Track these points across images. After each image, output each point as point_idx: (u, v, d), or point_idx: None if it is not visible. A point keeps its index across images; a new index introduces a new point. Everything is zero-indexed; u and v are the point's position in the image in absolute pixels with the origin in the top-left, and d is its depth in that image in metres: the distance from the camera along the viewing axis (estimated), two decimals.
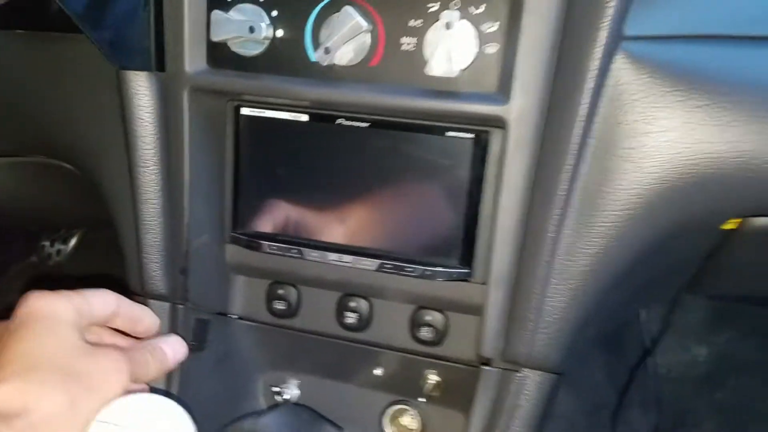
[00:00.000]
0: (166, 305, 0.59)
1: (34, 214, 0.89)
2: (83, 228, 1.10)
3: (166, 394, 0.47)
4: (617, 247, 0.47)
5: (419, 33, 0.48)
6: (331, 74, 0.51)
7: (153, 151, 0.56)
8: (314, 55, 0.50)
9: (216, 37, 0.52)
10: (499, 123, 0.48)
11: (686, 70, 0.44)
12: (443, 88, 0.48)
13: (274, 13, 0.51)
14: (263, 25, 0.51)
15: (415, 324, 0.59)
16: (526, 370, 0.51)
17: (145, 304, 0.50)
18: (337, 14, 0.48)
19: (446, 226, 0.53)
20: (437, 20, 0.47)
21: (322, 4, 0.50)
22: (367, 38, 0.49)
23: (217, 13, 0.51)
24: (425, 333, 0.58)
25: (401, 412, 0.64)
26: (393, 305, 0.59)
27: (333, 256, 0.56)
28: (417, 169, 0.53)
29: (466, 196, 0.52)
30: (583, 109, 0.45)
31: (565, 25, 0.45)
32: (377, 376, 0.63)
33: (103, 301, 0.45)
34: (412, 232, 0.55)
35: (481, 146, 0.51)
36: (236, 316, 0.64)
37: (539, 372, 0.51)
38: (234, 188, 0.58)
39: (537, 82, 0.46)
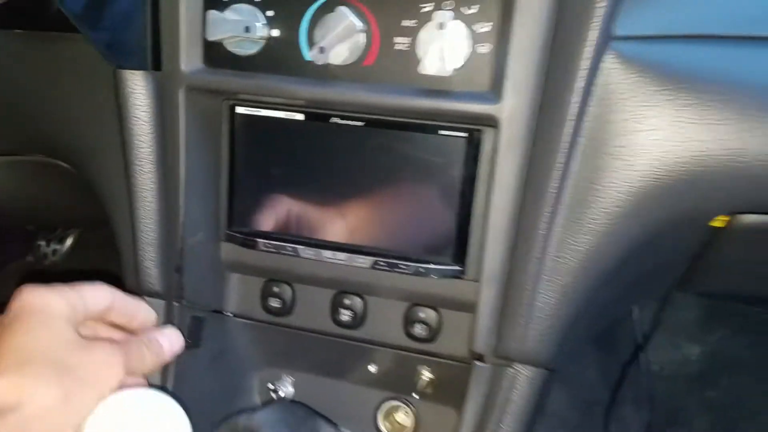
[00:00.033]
0: (162, 303, 0.59)
1: (31, 213, 0.90)
2: (79, 228, 1.10)
3: (162, 389, 0.48)
4: (607, 244, 0.47)
5: (413, 33, 0.49)
6: (326, 73, 0.51)
7: (149, 149, 0.56)
8: (309, 55, 0.51)
9: (212, 37, 0.52)
10: (492, 122, 0.48)
11: (675, 69, 0.44)
12: (436, 87, 0.49)
13: (270, 13, 0.51)
14: (259, 24, 0.51)
15: (409, 321, 0.59)
16: (517, 365, 0.52)
17: None
18: (331, 14, 0.49)
19: (439, 224, 0.54)
20: (430, 20, 0.47)
21: (316, 5, 0.50)
22: (362, 38, 0.50)
23: (213, 13, 0.51)
24: (419, 330, 0.59)
25: (395, 409, 0.65)
26: (387, 303, 0.60)
27: (327, 254, 0.57)
28: (411, 167, 0.53)
29: (459, 195, 0.53)
30: (573, 108, 0.45)
31: (556, 25, 0.45)
32: (371, 373, 0.64)
33: (97, 295, 0.45)
34: (406, 230, 0.55)
35: (473, 145, 0.51)
36: (231, 314, 0.64)
37: (531, 367, 0.52)
38: (229, 186, 0.59)
39: (528, 81, 0.47)
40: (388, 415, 0.65)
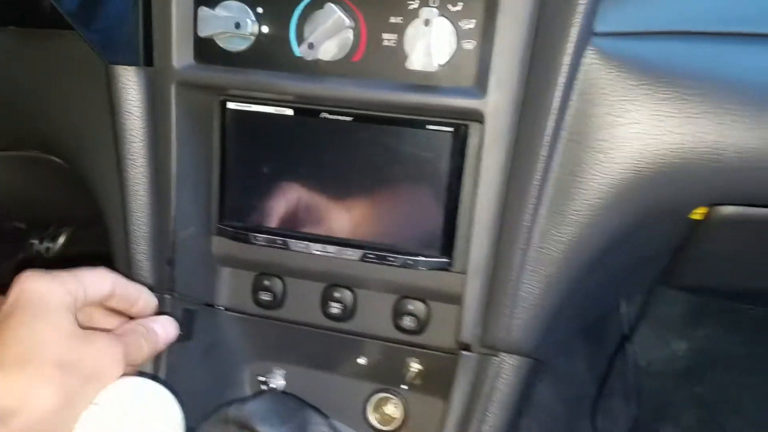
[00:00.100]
0: (154, 296, 0.60)
1: (23, 209, 0.90)
2: (72, 226, 1.10)
3: (154, 378, 0.48)
4: (589, 235, 0.48)
5: (400, 29, 0.50)
6: (315, 69, 0.52)
7: (141, 144, 0.57)
8: (298, 51, 0.52)
9: (203, 33, 0.53)
10: (477, 116, 0.49)
11: (653, 64, 0.46)
12: (423, 83, 0.50)
13: (260, 9, 0.52)
14: (249, 21, 0.52)
15: (398, 313, 0.60)
16: (503, 354, 0.53)
17: None
18: (320, 11, 0.50)
19: (427, 217, 0.55)
20: (417, 17, 0.48)
21: (306, 1, 0.51)
22: (350, 34, 0.51)
23: (203, 10, 0.52)
24: (407, 322, 0.60)
25: (384, 401, 0.66)
26: (376, 295, 0.61)
27: (317, 247, 0.58)
28: (399, 161, 0.54)
29: (446, 188, 0.54)
30: (555, 102, 0.46)
31: (539, 22, 0.46)
32: (361, 365, 0.65)
33: (98, 282, 0.44)
34: (394, 222, 0.56)
35: (460, 139, 0.52)
36: (223, 308, 0.65)
37: (516, 356, 0.53)
38: (220, 181, 0.59)
39: (512, 76, 0.48)
40: (378, 407, 0.66)
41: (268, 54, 0.53)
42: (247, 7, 0.52)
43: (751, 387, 1.06)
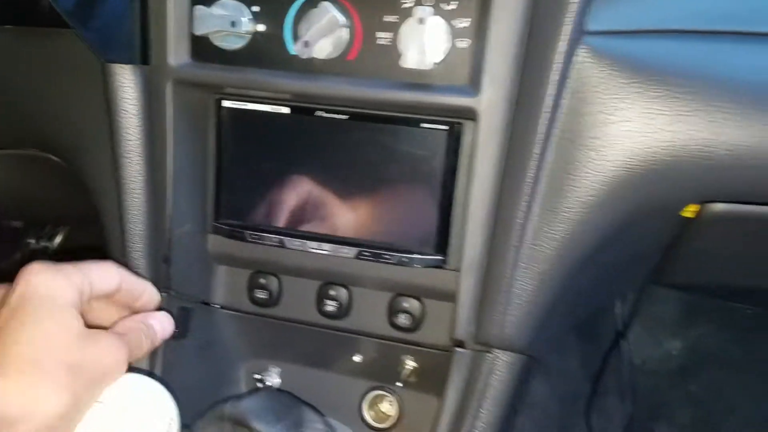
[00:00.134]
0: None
1: (21, 207, 0.90)
2: (69, 225, 1.11)
3: (150, 375, 0.48)
4: (582, 232, 0.49)
5: (394, 28, 0.50)
6: (310, 67, 0.53)
7: (137, 142, 0.57)
8: (294, 49, 0.52)
9: (199, 31, 0.53)
10: (471, 114, 0.50)
11: (645, 63, 0.46)
12: (417, 81, 0.50)
13: (255, 8, 0.53)
14: (244, 19, 0.53)
15: (393, 311, 0.60)
16: (497, 351, 0.53)
17: None
18: (315, 10, 0.50)
19: (422, 215, 0.55)
20: (411, 15, 0.49)
21: (301, 0, 0.51)
22: (345, 33, 0.51)
23: (200, 8, 0.53)
24: (402, 320, 0.60)
25: (380, 399, 0.66)
26: (371, 293, 0.61)
27: (313, 245, 0.58)
28: (394, 159, 0.54)
29: (440, 186, 0.54)
30: (548, 100, 0.47)
31: (532, 21, 0.47)
32: (356, 363, 0.65)
33: (104, 277, 0.43)
34: (389, 220, 0.57)
35: (454, 137, 0.53)
36: (218, 305, 0.65)
37: (510, 353, 0.53)
38: (216, 179, 0.60)
39: (506, 75, 0.48)
40: (373, 404, 0.66)
41: (264, 52, 0.53)
42: (242, 6, 0.53)
43: (745, 385, 1.07)
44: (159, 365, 0.60)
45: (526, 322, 0.51)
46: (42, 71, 0.63)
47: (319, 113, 0.55)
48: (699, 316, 1.09)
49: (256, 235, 0.59)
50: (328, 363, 0.66)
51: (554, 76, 0.46)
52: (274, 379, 0.67)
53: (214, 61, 0.54)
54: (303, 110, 0.55)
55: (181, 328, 0.61)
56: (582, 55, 0.46)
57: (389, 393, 0.65)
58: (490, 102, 0.49)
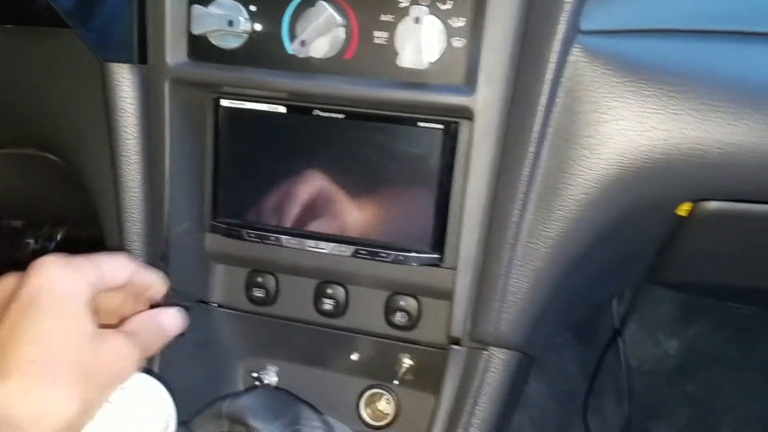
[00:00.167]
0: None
1: (20, 207, 0.91)
2: (67, 225, 1.11)
3: (147, 372, 0.49)
4: (576, 230, 0.49)
5: (391, 27, 0.50)
6: (307, 67, 0.53)
7: (135, 141, 0.58)
8: (291, 48, 0.53)
9: (196, 31, 0.54)
10: (466, 113, 0.50)
11: (638, 62, 0.47)
12: (414, 80, 0.51)
13: (252, 7, 0.53)
14: (242, 18, 0.53)
15: (390, 309, 0.61)
16: (492, 348, 0.54)
17: None
18: (312, 9, 0.51)
19: (418, 214, 0.56)
20: (407, 15, 0.49)
21: (298, 0, 0.52)
22: (342, 32, 0.52)
23: (197, 8, 0.53)
24: (399, 318, 0.60)
25: (377, 397, 0.66)
26: (368, 292, 0.61)
27: (310, 243, 0.58)
28: (390, 158, 0.55)
29: (437, 184, 0.54)
30: (542, 99, 0.47)
31: (526, 20, 0.47)
32: (353, 362, 0.65)
33: (117, 269, 0.41)
34: (386, 219, 0.57)
35: (450, 136, 0.53)
36: (216, 304, 0.65)
37: (505, 350, 0.53)
38: (214, 178, 0.60)
39: (501, 74, 0.49)
40: (370, 402, 0.66)
41: (261, 51, 0.54)
42: (240, 5, 0.53)
43: (742, 385, 1.07)
44: (156, 363, 0.60)
45: (521, 320, 0.52)
46: (41, 71, 0.64)
47: (316, 112, 0.55)
48: (696, 315, 1.10)
49: (253, 233, 0.59)
50: (326, 361, 0.66)
51: (548, 75, 0.47)
52: (271, 378, 0.68)
53: (211, 61, 0.55)
54: (300, 109, 0.56)
55: None
56: (576, 54, 0.47)
57: (386, 391, 0.66)
58: (486, 101, 0.49)
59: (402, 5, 0.50)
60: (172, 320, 0.45)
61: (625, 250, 0.56)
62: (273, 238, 0.59)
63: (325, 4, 0.50)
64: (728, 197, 0.49)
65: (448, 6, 0.49)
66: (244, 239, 0.59)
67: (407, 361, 0.63)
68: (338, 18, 0.51)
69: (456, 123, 0.53)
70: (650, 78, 0.46)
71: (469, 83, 0.49)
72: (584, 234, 0.49)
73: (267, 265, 0.63)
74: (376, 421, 0.66)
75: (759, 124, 0.45)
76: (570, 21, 0.46)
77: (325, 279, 0.62)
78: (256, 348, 0.67)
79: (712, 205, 0.50)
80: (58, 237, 1.10)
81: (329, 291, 0.62)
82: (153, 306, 0.47)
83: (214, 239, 0.62)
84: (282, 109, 0.56)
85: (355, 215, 0.57)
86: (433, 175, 0.54)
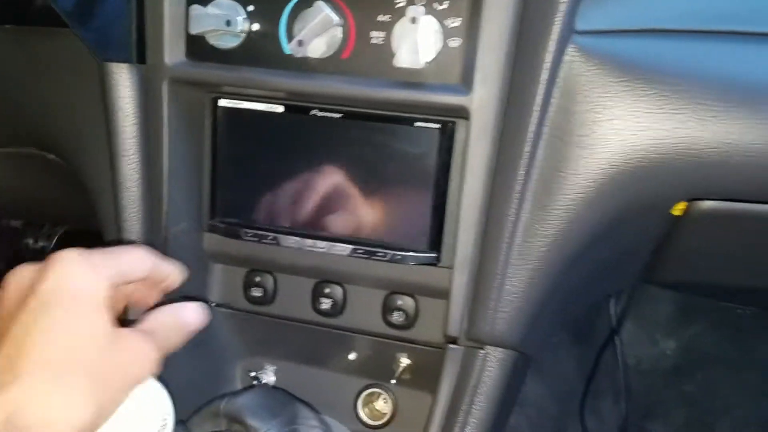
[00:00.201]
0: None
1: (19, 206, 0.91)
2: (66, 225, 1.11)
3: None
4: (572, 230, 0.49)
5: (387, 27, 0.51)
6: (305, 66, 0.53)
7: (133, 140, 0.58)
8: (288, 48, 0.53)
9: (194, 31, 0.54)
10: (463, 113, 0.50)
11: (632, 62, 0.47)
12: (410, 80, 0.51)
13: (250, 7, 0.53)
14: (240, 18, 0.53)
15: (387, 309, 0.61)
16: (488, 347, 0.54)
17: None
18: (309, 9, 0.51)
19: (415, 213, 0.56)
20: (404, 15, 0.49)
21: (295, 0, 0.52)
22: (339, 32, 0.52)
23: (195, 8, 0.53)
24: (397, 317, 0.60)
25: (375, 396, 0.66)
26: (366, 291, 0.61)
27: (308, 243, 0.58)
28: (387, 158, 0.55)
29: (433, 184, 0.55)
30: (538, 99, 0.48)
31: (522, 20, 0.48)
32: (351, 361, 0.65)
33: (136, 264, 0.40)
34: (383, 218, 0.57)
35: (447, 136, 0.53)
36: (214, 304, 0.65)
37: (501, 349, 0.54)
38: (212, 177, 0.60)
39: (497, 74, 0.49)
40: (368, 402, 0.67)
41: (259, 51, 0.54)
42: (238, 5, 0.53)
43: (740, 385, 1.08)
44: None
45: (517, 319, 0.52)
46: (40, 70, 0.64)
47: (313, 112, 0.55)
48: (693, 315, 1.10)
49: (251, 233, 0.59)
50: (323, 360, 0.66)
51: (544, 75, 0.47)
52: (269, 377, 0.68)
53: (209, 60, 0.55)
54: (297, 109, 0.56)
55: None
56: (571, 54, 0.47)
57: (384, 390, 0.66)
58: (482, 100, 0.49)
59: (399, 5, 0.50)
60: (194, 315, 0.43)
61: (620, 249, 0.56)
62: (271, 238, 0.59)
63: (322, 4, 0.51)
64: (723, 197, 0.49)
65: (444, 6, 0.49)
66: (242, 239, 0.60)
67: (404, 361, 0.63)
68: (335, 18, 0.51)
69: (452, 122, 0.53)
70: (645, 78, 0.46)
71: (466, 83, 0.50)
72: (580, 233, 0.50)
73: (265, 265, 0.63)
74: (373, 420, 0.66)
75: (754, 123, 0.46)
76: (565, 21, 0.46)
77: (322, 278, 0.62)
78: (254, 347, 0.68)
79: (707, 204, 0.50)
80: (58, 237, 1.11)
81: (327, 290, 0.62)
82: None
83: (212, 239, 0.62)
84: (280, 109, 0.56)
85: (352, 214, 0.58)
86: (429, 174, 0.54)
